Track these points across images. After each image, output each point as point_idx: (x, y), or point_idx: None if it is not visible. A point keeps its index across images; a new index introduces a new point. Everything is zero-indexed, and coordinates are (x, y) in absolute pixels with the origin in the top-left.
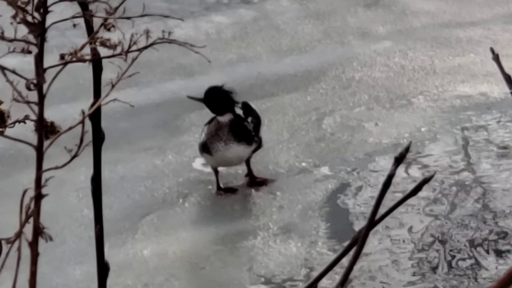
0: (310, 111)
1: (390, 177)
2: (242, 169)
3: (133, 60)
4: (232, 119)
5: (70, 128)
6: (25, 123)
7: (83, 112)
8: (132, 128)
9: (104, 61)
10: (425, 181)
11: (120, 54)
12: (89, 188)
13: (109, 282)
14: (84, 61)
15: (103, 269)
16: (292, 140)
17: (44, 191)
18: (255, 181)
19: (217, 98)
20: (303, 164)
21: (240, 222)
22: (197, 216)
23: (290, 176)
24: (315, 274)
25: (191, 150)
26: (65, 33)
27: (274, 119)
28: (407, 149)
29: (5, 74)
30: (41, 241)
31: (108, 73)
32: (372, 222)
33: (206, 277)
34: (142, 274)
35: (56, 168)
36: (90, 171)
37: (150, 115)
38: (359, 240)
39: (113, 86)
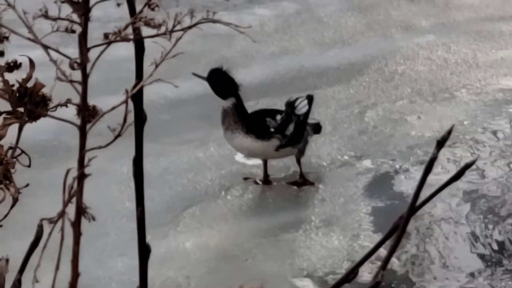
0: (352, 104)
1: (432, 160)
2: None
3: (177, 40)
4: (235, 103)
5: (113, 108)
6: (67, 106)
7: (126, 92)
8: (174, 120)
9: (149, 46)
10: (467, 166)
11: (164, 33)
12: (131, 180)
13: (151, 274)
14: (127, 40)
15: (144, 252)
16: (334, 132)
17: (86, 180)
18: (301, 183)
19: (220, 81)
20: (345, 157)
21: (282, 215)
22: (239, 208)
23: (332, 169)
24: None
25: None
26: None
27: (317, 111)
28: (449, 132)
29: (48, 53)
30: (83, 233)
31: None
32: (414, 207)
33: (248, 269)
34: (184, 266)
35: (100, 147)
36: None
37: (192, 108)
38: (400, 226)
39: (157, 66)
